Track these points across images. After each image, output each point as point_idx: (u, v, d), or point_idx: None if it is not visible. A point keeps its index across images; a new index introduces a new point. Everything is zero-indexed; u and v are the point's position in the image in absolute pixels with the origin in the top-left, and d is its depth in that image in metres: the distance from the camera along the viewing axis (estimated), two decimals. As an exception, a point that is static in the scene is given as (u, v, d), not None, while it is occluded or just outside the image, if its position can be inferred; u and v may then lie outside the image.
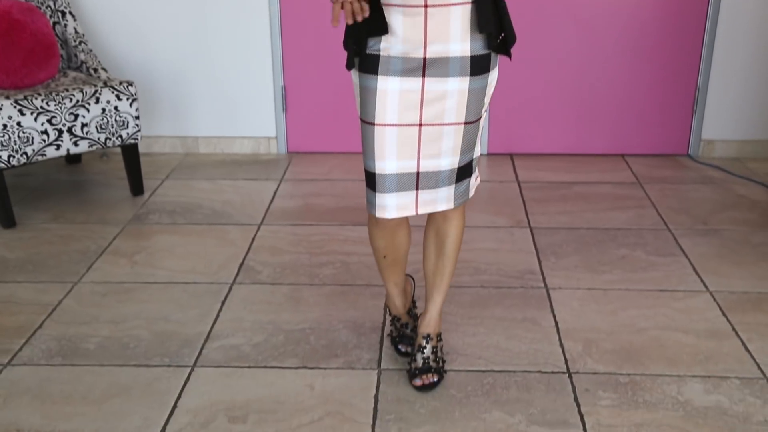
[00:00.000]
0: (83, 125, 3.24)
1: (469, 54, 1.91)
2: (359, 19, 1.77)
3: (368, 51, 1.91)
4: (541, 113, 3.97)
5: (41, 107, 3.12)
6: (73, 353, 2.34)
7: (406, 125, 1.95)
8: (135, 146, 3.45)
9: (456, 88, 1.93)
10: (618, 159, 3.97)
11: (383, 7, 1.87)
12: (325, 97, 3.95)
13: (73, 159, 3.90)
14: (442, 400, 2.12)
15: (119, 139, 3.36)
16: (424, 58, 1.89)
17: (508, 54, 1.98)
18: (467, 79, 1.93)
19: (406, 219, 2.13)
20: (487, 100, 2.01)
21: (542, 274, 2.81)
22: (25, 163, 3.14)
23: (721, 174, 3.75)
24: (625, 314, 2.53)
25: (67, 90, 3.21)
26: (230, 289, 2.71)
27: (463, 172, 2.06)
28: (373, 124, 1.95)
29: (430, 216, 2.18)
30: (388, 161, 1.97)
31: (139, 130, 3.41)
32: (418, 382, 2.16)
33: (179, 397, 2.14)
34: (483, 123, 2.05)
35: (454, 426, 2.01)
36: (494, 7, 1.90)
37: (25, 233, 3.14)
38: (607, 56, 3.86)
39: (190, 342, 2.39)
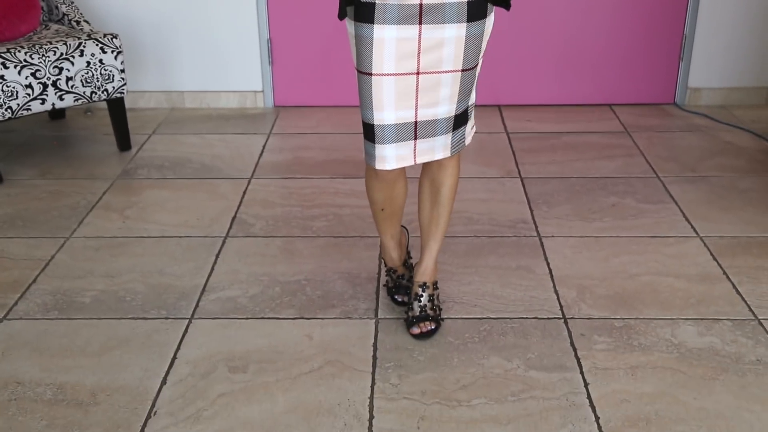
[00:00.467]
0: (68, 79, 3.19)
1: None
2: None
3: (363, -1, 1.89)
4: (528, 64, 3.95)
5: (25, 60, 3.06)
6: (69, 307, 2.33)
7: (404, 74, 1.93)
8: (121, 100, 3.40)
9: (453, 34, 1.91)
10: (605, 109, 3.98)
11: None
12: (311, 50, 3.90)
13: (57, 114, 3.85)
14: (440, 347, 2.14)
15: (105, 93, 3.31)
16: (421, 5, 1.87)
17: (506, 5, 1.96)
18: (464, 25, 1.91)
19: (403, 170, 2.13)
20: (483, 46, 1.99)
21: (534, 222, 2.82)
22: (9, 118, 3.09)
23: (708, 122, 3.77)
24: (618, 260, 2.56)
25: (50, 43, 3.15)
26: (224, 242, 2.70)
27: (460, 119, 2.06)
28: (371, 74, 1.93)
29: (425, 165, 2.18)
30: (386, 111, 1.96)
31: (125, 84, 3.36)
32: (415, 330, 2.18)
33: (178, 348, 2.15)
34: (479, 70, 2.04)
35: (452, 372, 2.04)
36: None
37: (12, 189, 3.11)
38: (592, 5, 3.84)
39: (187, 294, 2.40)
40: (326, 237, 2.73)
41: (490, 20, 1.97)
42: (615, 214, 2.88)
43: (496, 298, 2.36)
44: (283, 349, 2.14)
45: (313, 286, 2.44)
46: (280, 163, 3.36)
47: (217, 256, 2.61)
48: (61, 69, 3.16)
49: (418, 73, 1.94)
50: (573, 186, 3.12)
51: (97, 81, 3.27)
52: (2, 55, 3.02)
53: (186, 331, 2.22)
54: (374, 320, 2.27)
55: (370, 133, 2.00)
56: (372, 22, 1.89)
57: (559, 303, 2.33)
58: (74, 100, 3.24)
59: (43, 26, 3.44)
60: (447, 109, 2.01)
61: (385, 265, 2.39)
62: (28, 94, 3.10)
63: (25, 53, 3.07)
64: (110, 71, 3.29)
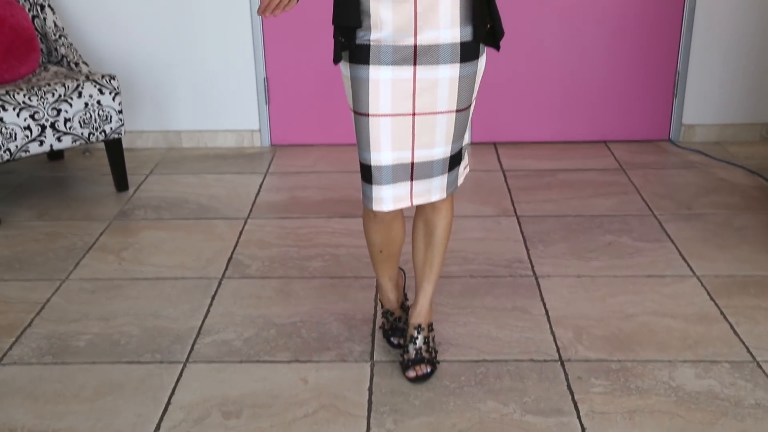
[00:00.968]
0: (66, 120, 3.21)
1: (459, 40, 1.91)
2: (276, 13, 1.72)
3: (358, 41, 1.91)
4: (523, 102, 3.98)
5: (23, 102, 3.08)
6: (64, 351, 2.32)
7: (400, 115, 1.95)
8: (119, 141, 3.42)
9: (447, 75, 1.93)
10: (600, 145, 4.00)
11: None
12: (307, 89, 3.93)
13: (55, 155, 3.86)
14: (435, 390, 2.13)
15: (103, 134, 3.33)
16: (415, 46, 1.89)
17: (497, 46, 1.98)
18: (458, 65, 1.93)
19: (401, 212, 2.14)
20: (476, 86, 2.01)
21: (530, 262, 2.82)
22: (8, 160, 3.10)
23: (703, 158, 3.79)
24: (614, 301, 2.56)
25: (49, 85, 3.18)
26: (219, 283, 2.70)
27: (454, 160, 2.07)
28: (368, 115, 1.95)
29: (419, 207, 2.19)
30: (383, 152, 1.97)
31: (122, 125, 3.38)
32: (411, 373, 2.17)
33: (172, 393, 2.13)
34: (472, 110, 2.05)
35: (448, 416, 2.03)
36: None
37: (10, 231, 3.11)
38: (587, 43, 3.88)
39: (182, 338, 2.39)
40: (322, 277, 2.73)
41: (482, 61, 1.99)
42: (611, 253, 2.88)
43: (492, 340, 2.35)
44: (277, 393, 2.13)
45: (308, 328, 2.43)
46: (277, 203, 3.36)
47: (213, 297, 2.61)
48: (59, 110, 3.18)
49: (414, 114, 1.96)
50: (569, 224, 3.12)
51: (95, 122, 3.29)
52: (1, 97, 3.04)
53: (180, 375, 2.21)
54: (370, 363, 2.26)
55: (367, 174, 2.01)
56: (367, 63, 1.91)
57: (556, 345, 2.32)
58: (72, 141, 3.25)
59: (43, 68, 3.47)
60: (443, 150, 2.02)
61: (382, 307, 2.38)
62: (27, 136, 3.12)
63: (24, 95, 3.09)
64: (108, 112, 3.31)
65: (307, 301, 2.58)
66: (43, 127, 3.16)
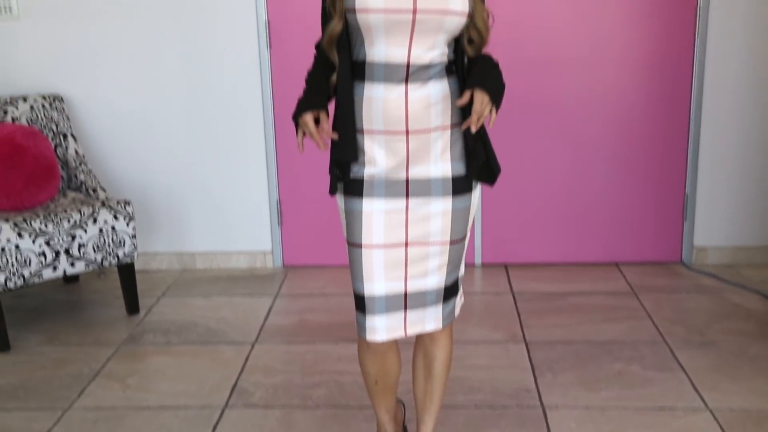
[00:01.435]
0: (80, 246, 3.28)
1: (450, 175, 1.96)
2: (323, 148, 1.91)
3: (352, 176, 1.97)
4: (534, 223, 4.01)
5: (39, 229, 3.17)
6: (60, 486, 2.30)
7: (393, 246, 1.98)
8: (131, 265, 3.48)
9: (440, 209, 1.97)
10: (611, 267, 3.98)
11: (365, 134, 1.93)
12: (319, 210, 4.00)
13: (70, 278, 3.92)
14: None
15: (115, 258, 3.39)
16: (407, 180, 1.95)
17: (492, 182, 2.02)
18: (450, 199, 1.97)
19: (395, 344, 2.13)
20: (470, 219, 2.04)
21: (538, 391, 2.77)
22: (21, 286, 3.16)
23: (716, 282, 3.75)
24: (623, 435, 2.49)
25: (66, 211, 3.27)
26: (222, 413, 2.67)
27: (450, 291, 2.08)
28: (360, 246, 1.98)
29: (418, 338, 2.18)
30: (376, 283, 1.99)
31: (135, 249, 3.44)
32: None
33: None
34: (467, 242, 2.08)
35: None
36: (475, 135, 1.95)
37: (19, 357, 3.13)
38: (597, 167, 3.93)
39: (180, 472, 2.35)
40: (325, 407, 2.70)
41: (476, 194, 2.03)
42: (621, 383, 2.82)
43: (496, 478, 2.29)
44: None
45: (309, 463, 2.38)
46: (285, 327, 3.37)
47: (214, 429, 2.58)
48: (74, 236, 3.26)
49: (406, 245, 1.98)
50: (578, 351, 3.08)
51: (108, 247, 3.36)
52: (19, 224, 3.13)
53: None
54: (369, 502, 2.20)
55: (360, 303, 2.02)
56: (361, 195, 1.96)
57: (561, 483, 2.25)
58: (85, 266, 3.31)
59: (62, 194, 3.58)
60: (437, 280, 2.03)
61: (381, 441, 2.34)
62: (41, 262, 3.18)
63: (41, 222, 3.17)
64: (122, 237, 3.39)
65: (308, 433, 2.54)
66: (58, 253, 3.23)
